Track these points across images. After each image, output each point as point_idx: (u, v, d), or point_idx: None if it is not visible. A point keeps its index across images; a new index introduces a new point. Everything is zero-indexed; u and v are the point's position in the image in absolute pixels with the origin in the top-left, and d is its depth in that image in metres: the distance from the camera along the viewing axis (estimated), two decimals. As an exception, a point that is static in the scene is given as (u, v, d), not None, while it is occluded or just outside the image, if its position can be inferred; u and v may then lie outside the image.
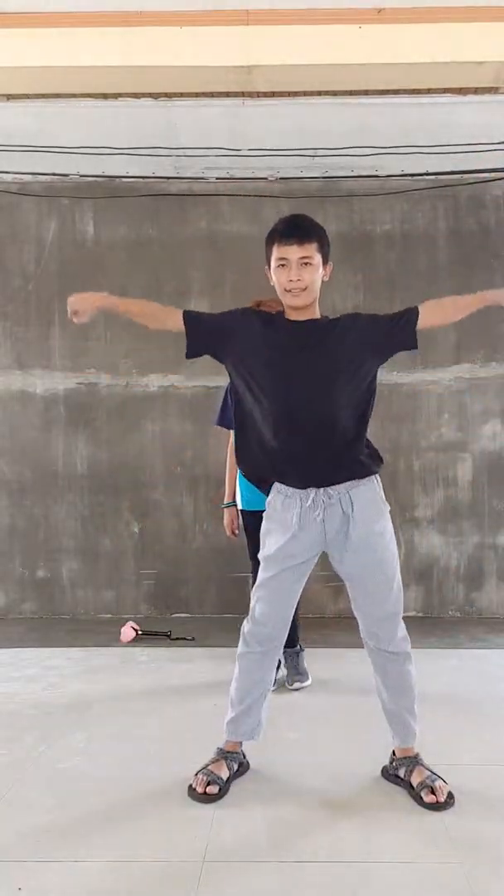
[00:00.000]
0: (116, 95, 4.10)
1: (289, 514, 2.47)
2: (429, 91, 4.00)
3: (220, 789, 2.45)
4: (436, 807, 2.34)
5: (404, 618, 2.57)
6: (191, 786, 2.48)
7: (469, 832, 2.24)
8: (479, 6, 3.37)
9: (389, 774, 2.57)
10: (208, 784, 2.46)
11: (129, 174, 5.15)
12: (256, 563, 3.47)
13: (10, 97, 4.09)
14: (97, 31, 3.45)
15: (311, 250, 2.38)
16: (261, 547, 2.57)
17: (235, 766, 2.57)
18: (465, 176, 5.09)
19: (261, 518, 3.45)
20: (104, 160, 4.90)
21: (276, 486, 2.52)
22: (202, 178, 5.20)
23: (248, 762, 2.63)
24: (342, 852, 2.04)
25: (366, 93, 3.98)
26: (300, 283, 2.37)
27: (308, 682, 3.58)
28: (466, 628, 4.86)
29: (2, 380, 5.27)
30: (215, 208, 5.24)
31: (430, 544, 5.23)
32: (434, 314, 2.47)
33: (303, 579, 2.56)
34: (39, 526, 5.28)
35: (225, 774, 2.51)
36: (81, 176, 5.16)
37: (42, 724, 3.13)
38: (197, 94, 4.00)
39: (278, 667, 3.43)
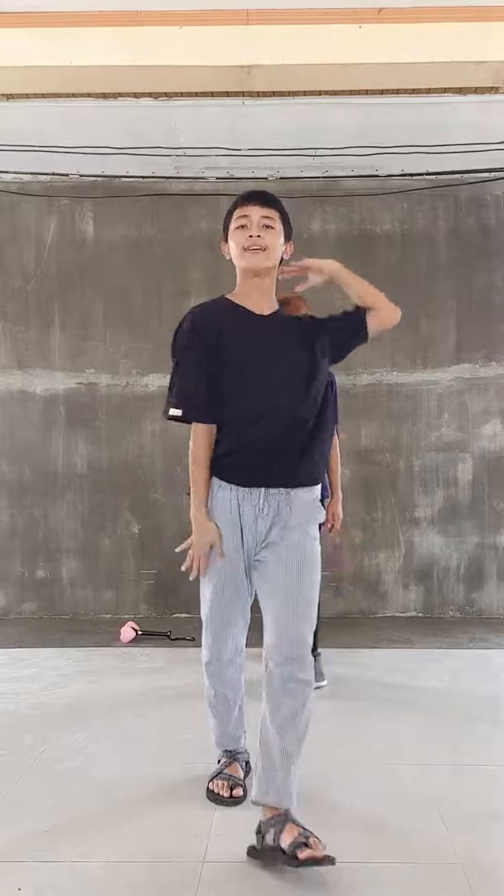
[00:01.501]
0: (116, 95, 4.09)
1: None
2: (429, 91, 3.99)
3: (244, 790, 2.42)
4: (314, 862, 1.95)
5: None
6: (213, 791, 2.44)
7: (469, 832, 2.24)
8: (479, 6, 3.37)
9: (258, 851, 2.08)
10: (232, 788, 2.43)
11: (129, 174, 5.15)
12: None
13: (10, 97, 4.09)
14: (97, 31, 3.45)
15: (274, 215, 2.28)
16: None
17: (244, 764, 2.57)
18: (465, 176, 5.09)
19: None
20: (104, 160, 4.90)
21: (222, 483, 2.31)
22: (202, 178, 5.20)
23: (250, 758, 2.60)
24: (342, 852, 2.04)
25: (366, 93, 3.98)
26: (261, 240, 2.24)
27: (323, 683, 3.52)
28: (466, 628, 4.86)
29: (2, 380, 5.27)
30: (215, 208, 5.22)
31: (430, 544, 5.23)
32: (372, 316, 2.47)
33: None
34: (39, 526, 5.27)
35: (241, 774, 2.51)
36: (81, 176, 5.16)
37: (42, 724, 3.13)
38: (197, 94, 3.99)
39: None
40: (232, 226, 2.31)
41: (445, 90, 4.01)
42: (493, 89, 3.93)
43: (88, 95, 4.07)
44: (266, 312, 2.35)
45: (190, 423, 2.30)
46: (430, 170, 5.05)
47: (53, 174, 5.16)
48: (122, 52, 3.46)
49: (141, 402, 5.26)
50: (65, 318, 5.27)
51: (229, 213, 2.34)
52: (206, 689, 2.51)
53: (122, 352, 5.26)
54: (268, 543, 2.25)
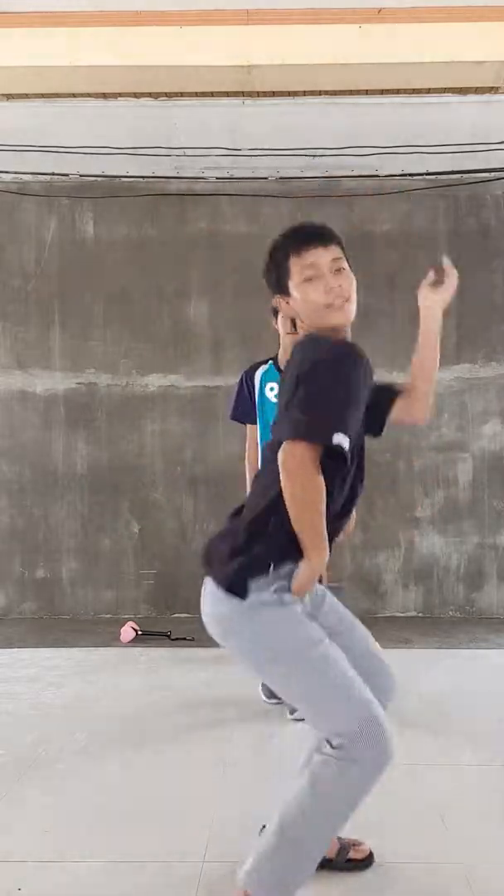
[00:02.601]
0: (116, 95, 4.10)
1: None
2: (429, 91, 4.00)
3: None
4: None
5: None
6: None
7: (469, 832, 2.24)
8: (479, 6, 3.38)
9: None
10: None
11: (129, 174, 5.15)
12: None
13: (10, 97, 4.09)
14: (97, 31, 3.45)
15: (340, 252, 1.85)
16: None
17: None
18: (465, 176, 5.09)
19: None
20: (104, 160, 4.90)
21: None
22: (202, 178, 5.19)
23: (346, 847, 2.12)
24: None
25: (366, 93, 3.98)
26: (342, 289, 1.80)
27: None
28: (466, 628, 4.86)
29: (2, 380, 5.27)
30: (215, 208, 5.24)
31: (430, 544, 5.23)
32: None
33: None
34: (39, 526, 5.27)
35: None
36: (81, 176, 5.16)
37: (42, 724, 3.13)
38: (197, 94, 4.00)
39: None
40: (295, 279, 1.83)
41: (445, 90, 4.02)
42: (493, 89, 3.94)
43: (88, 95, 4.08)
44: None
45: (345, 462, 1.74)
46: (430, 170, 5.05)
47: (53, 174, 5.16)
48: (123, 52, 3.47)
49: (141, 402, 5.26)
50: (65, 318, 5.27)
51: (282, 259, 1.86)
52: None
53: (122, 352, 5.26)
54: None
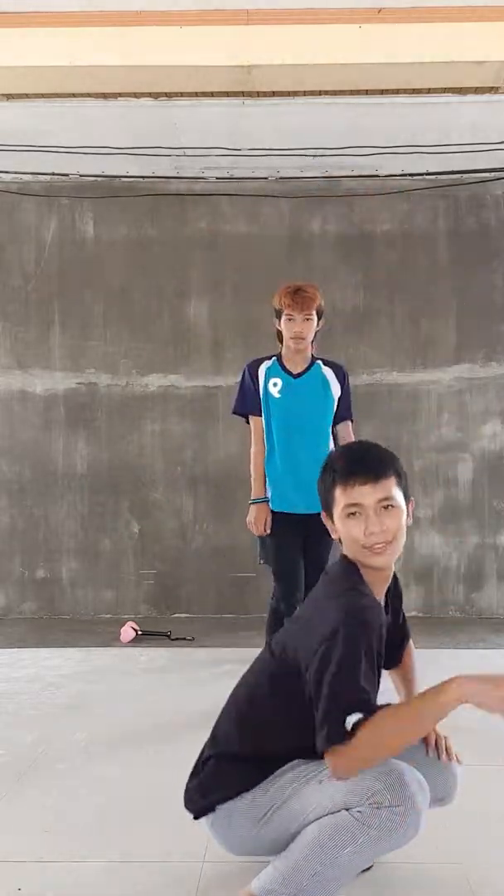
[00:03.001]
0: (116, 95, 4.10)
1: None
2: (429, 91, 4.00)
3: None
4: None
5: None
6: None
7: (469, 832, 2.23)
8: (479, 6, 3.37)
9: None
10: None
11: (129, 174, 5.15)
12: (280, 568, 3.42)
13: (10, 97, 4.09)
14: (97, 31, 3.44)
15: (391, 488, 1.74)
16: None
17: None
18: (465, 176, 5.09)
19: (284, 520, 3.42)
20: (104, 160, 4.90)
21: None
22: (202, 178, 5.19)
23: None
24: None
25: (366, 93, 3.98)
26: (384, 532, 1.73)
27: None
28: (466, 628, 4.86)
29: (2, 380, 5.27)
30: (215, 208, 5.24)
31: (430, 544, 5.23)
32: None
33: None
34: (39, 526, 5.27)
35: None
36: (81, 176, 5.16)
37: (42, 724, 3.13)
38: (197, 94, 3.99)
39: None
40: (338, 510, 1.77)
41: (445, 90, 4.01)
42: (493, 89, 3.93)
43: (88, 95, 4.07)
44: None
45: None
46: (430, 170, 5.05)
47: (53, 174, 5.16)
48: (123, 52, 3.46)
49: (141, 402, 5.26)
50: (65, 318, 5.27)
51: (327, 486, 1.80)
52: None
53: (122, 352, 5.25)
54: None
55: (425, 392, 5.23)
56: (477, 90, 4.00)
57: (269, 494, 3.44)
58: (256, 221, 5.22)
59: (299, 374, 3.45)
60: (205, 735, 2.68)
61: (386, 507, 1.73)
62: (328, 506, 1.81)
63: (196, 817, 1.87)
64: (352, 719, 1.59)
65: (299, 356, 3.46)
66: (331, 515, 1.81)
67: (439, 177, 5.10)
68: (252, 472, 3.51)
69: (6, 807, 2.42)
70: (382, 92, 3.96)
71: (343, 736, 1.59)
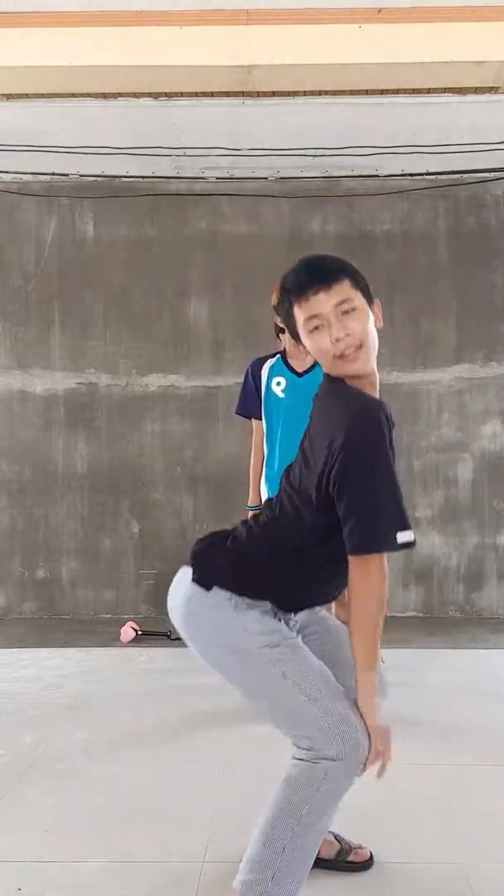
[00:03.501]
0: (116, 95, 4.09)
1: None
2: (429, 91, 3.99)
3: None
4: None
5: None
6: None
7: (469, 832, 2.24)
8: (479, 6, 3.37)
9: None
10: None
11: (129, 174, 5.15)
12: None
13: (10, 97, 4.09)
14: (97, 31, 3.45)
15: (345, 288, 1.67)
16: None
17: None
18: (465, 176, 5.09)
19: None
20: (104, 160, 4.90)
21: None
22: (202, 178, 5.20)
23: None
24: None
25: (366, 93, 3.97)
26: (351, 337, 1.66)
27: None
28: (466, 628, 4.86)
29: (2, 380, 5.27)
30: (215, 208, 5.24)
31: (430, 544, 5.23)
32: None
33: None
34: (39, 526, 5.27)
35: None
36: (81, 176, 5.16)
37: (42, 724, 3.13)
38: (197, 94, 3.99)
39: None
40: (302, 330, 1.71)
41: (445, 90, 4.01)
42: (493, 89, 3.93)
43: (88, 95, 4.07)
44: None
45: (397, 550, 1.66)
46: (430, 170, 5.05)
47: (53, 174, 5.16)
48: (123, 52, 3.46)
49: (141, 402, 5.26)
50: (65, 318, 5.27)
51: (288, 312, 1.75)
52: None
53: (122, 352, 5.26)
54: None
55: (425, 392, 5.23)
56: (477, 90, 4.00)
57: (263, 499, 3.41)
58: (256, 221, 5.23)
59: (304, 373, 3.42)
60: (205, 735, 2.68)
61: (346, 312, 1.66)
62: (293, 332, 1.75)
63: (195, 576, 1.80)
64: (403, 536, 1.61)
65: (302, 352, 3.42)
66: (299, 340, 1.76)
67: (439, 177, 5.10)
68: (250, 478, 3.51)
69: (6, 807, 2.42)
70: (382, 92, 3.96)
71: (389, 545, 1.61)
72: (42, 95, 4.01)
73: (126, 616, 5.09)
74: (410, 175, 5.13)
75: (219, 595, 1.76)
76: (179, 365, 5.24)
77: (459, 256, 5.22)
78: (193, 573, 1.80)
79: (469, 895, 1.93)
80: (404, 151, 4.76)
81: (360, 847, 2.09)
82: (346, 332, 1.66)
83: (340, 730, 1.65)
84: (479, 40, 3.43)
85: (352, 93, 3.99)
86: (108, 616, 5.18)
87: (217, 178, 5.19)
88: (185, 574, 1.84)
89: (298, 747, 1.71)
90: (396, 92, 3.98)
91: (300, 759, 1.69)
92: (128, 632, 4.55)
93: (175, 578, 1.87)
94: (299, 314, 1.70)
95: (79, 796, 2.49)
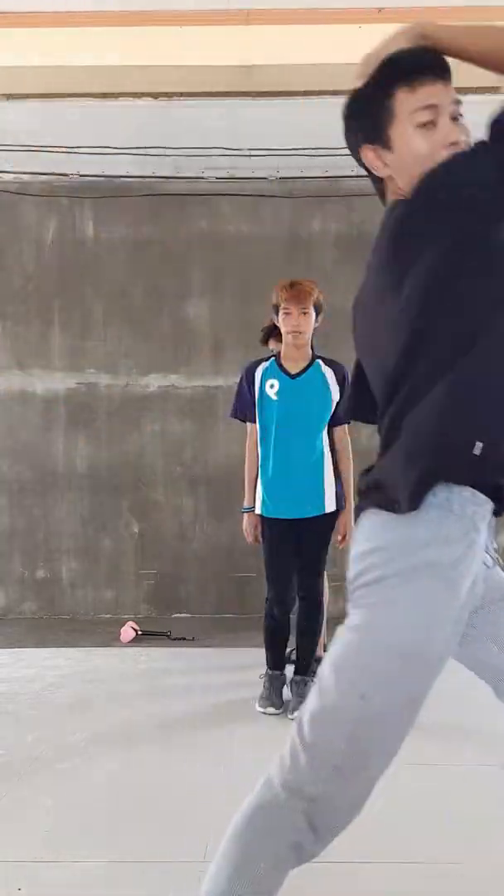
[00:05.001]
0: (116, 95, 4.09)
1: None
2: (429, 91, 4.00)
3: None
4: None
5: None
6: None
7: (469, 832, 2.24)
8: (479, 6, 3.37)
9: None
10: None
11: (129, 174, 5.14)
12: (271, 573, 3.42)
13: (10, 97, 4.09)
14: (97, 31, 3.45)
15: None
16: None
17: None
18: (465, 176, 5.08)
19: (276, 525, 3.37)
20: (104, 160, 4.90)
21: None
22: (202, 178, 5.19)
23: None
24: (342, 852, 2.04)
25: (366, 93, 3.97)
26: (460, 146, 1.46)
27: None
28: (466, 628, 4.85)
29: (2, 380, 5.27)
30: (215, 208, 5.24)
31: (430, 544, 5.21)
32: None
33: None
34: (39, 526, 5.27)
35: None
36: (81, 176, 5.15)
37: (42, 724, 3.13)
38: (197, 94, 3.99)
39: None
40: (403, 123, 1.44)
41: (445, 90, 4.01)
42: (493, 89, 3.92)
43: (88, 95, 4.07)
44: None
45: None
46: (430, 170, 5.05)
47: (53, 174, 5.15)
48: (122, 52, 3.47)
49: (141, 402, 5.25)
50: (65, 318, 5.27)
51: (377, 101, 1.50)
52: None
53: (122, 352, 5.25)
54: None
55: (425, 392, 5.22)
56: (477, 90, 4.00)
57: (257, 502, 3.38)
58: (256, 221, 5.22)
59: (297, 374, 3.40)
60: (205, 735, 2.68)
61: (455, 119, 1.41)
62: (379, 128, 1.44)
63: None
64: None
65: (298, 353, 3.40)
66: (380, 141, 1.45)
67: (439, 177, 5.10)
68: (245, 480, 3.51)
69: (6, 807, 2.42)
70: (383, 92, 3.96)
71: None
72: (42, 95, 4.01)
73: (126, 616, 5.09)
74: (410, 175, 5.12)
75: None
76: (179, 365, 5.24)
77: (459, 256, 5.21)
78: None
79: (469, 895, 1.93)
80: (404, 151, 4.76)
81: None
82: (461, 138, 1.40)
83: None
84: (478, 40, 3.42)
85: (352, 93, 3.99)
86: (108, 616, 5.18)
87: (217, 178, 5.19)
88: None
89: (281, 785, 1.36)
90: (396, 92, 3.98)
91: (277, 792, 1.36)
92: (128, 632, 4.55)
93: None
94: (404, 102, 1.40)
95: (79, 796, 2.49)
